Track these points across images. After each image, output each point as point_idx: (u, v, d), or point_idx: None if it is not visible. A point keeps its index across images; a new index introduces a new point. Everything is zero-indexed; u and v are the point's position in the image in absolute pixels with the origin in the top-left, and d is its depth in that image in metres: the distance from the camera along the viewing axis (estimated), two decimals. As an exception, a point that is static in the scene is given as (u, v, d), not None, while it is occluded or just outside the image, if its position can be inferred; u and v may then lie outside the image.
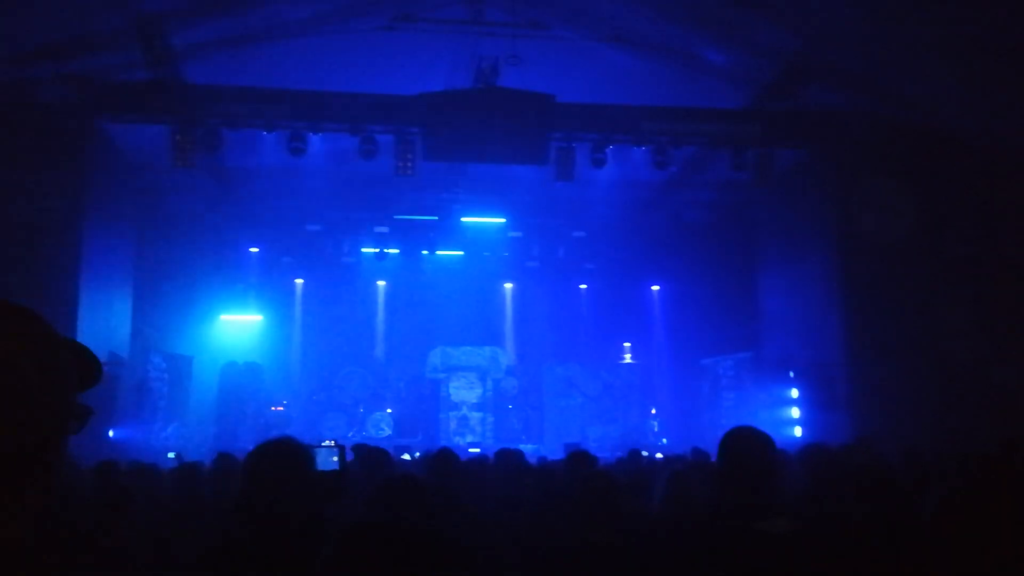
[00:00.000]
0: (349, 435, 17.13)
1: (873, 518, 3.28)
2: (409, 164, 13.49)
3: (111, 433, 12.71)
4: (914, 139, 12.94)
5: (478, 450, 14.67)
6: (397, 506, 3.41)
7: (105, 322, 13.37)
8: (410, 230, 18.52)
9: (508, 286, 20.50)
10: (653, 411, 19.28)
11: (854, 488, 3.42)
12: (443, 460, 4.83)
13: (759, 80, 13.28)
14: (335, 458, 3.39)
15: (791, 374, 14.53)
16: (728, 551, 2.57)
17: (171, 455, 12.07)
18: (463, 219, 18.37)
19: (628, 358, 20.17)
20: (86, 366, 1.24)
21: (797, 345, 14.64)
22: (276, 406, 17.75)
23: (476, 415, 19.01)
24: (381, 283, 19.97)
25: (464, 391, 19.14)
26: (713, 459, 3.18)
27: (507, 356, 19.89)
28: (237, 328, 18.78)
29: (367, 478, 5.15)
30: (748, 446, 2.78)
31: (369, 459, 5.80)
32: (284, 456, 2.64)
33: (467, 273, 19.56)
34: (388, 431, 18.08)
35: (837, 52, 12.07)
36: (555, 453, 12.22)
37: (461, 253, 19.46)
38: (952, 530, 2.27)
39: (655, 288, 20.12)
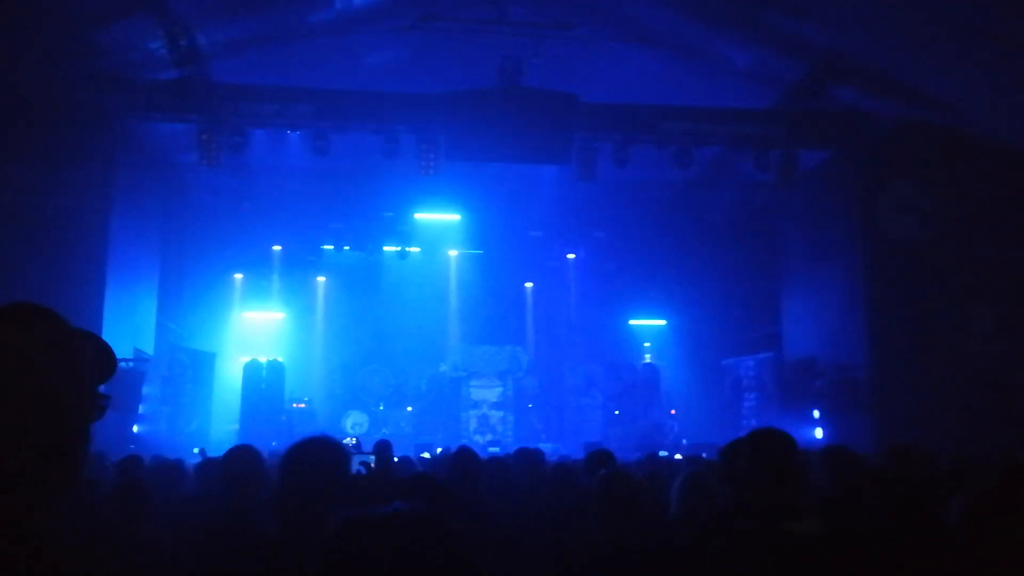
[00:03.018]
0: (372, 432, 17.20)
1: (898, 522, 3.26)
2: (432, 163, 13.53)
3: (135, 429, 12.84)
4: (939, 141, 12.81)
5: (497, 448, 14.68)
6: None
7: (130, 318, 13.51)
8: (431, 229, 18.58)
9: (529, 285, 20.50)
10: (673, 412, 19.21)
11: (879, 492, 3.39)
12: (463, 459, 4.83)
13: (783, 80, 13.20)
14: (372, 464, 3.39)
15: (813, 375, 14.44)
16: (757, 552, 2.56)
17: (195, 451, 12.18)
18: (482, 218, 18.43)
19: (648, 358, 20.11)
20: (102, 359, 1.27)
21: (819, 346, 14.54)
22: (298, 403, 17.86)
23: (496, 414, 19.03)
24: (402, 281, 20.00)
25: (484, 390, 19.16)
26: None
27: (527, 355, 19.89)
28: (260, 325, 18.92)
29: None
30: (773, 446, 2.77)
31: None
32: (323, 454, 2.63)
33: (488, 272, 19.59)
34: (409, 429, 18.14)
35: (863, 53, 11.97)
36: (575, 452, 12.21)
37: (481, 252, 19.50)
38: (979, 536, 2.25)
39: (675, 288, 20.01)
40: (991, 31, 10.07)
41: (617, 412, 19.12)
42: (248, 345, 18.37)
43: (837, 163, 14.20)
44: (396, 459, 7.46)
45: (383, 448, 6.82)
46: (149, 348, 14.39)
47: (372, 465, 3.67)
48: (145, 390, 13.28)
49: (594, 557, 3.12)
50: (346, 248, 18.80)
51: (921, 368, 12.37)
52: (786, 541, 2.55)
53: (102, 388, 1.24)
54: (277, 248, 18.97)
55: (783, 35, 12.07)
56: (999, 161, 12.39)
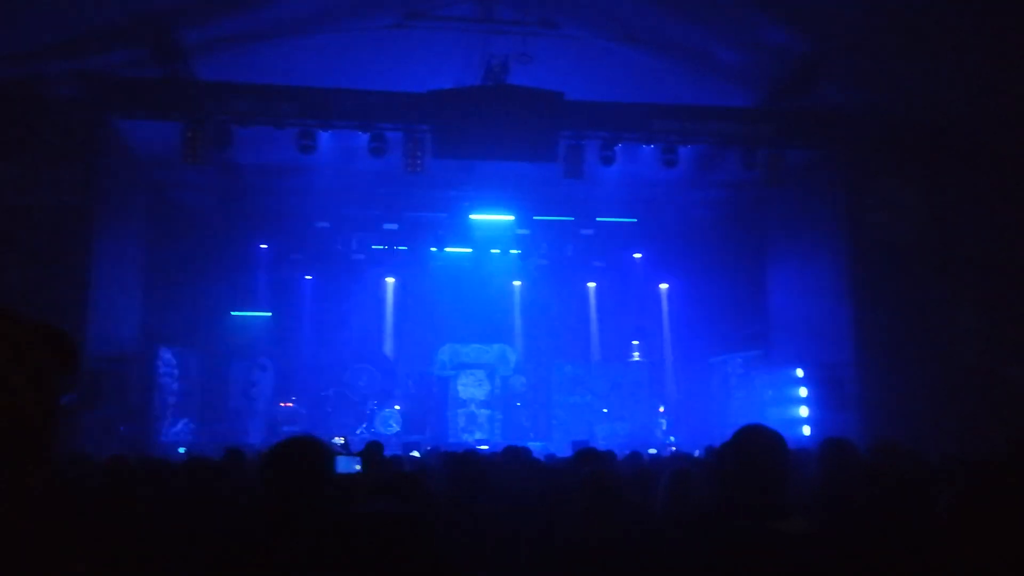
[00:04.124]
0: (358, 432, 17.18)
1: (888, 518, 3.27)
2: (418, 161, 13.50)
3: (121, 429, 12.76)
4: (925, 139, 12.88)
5: (486, 447, 14.68)
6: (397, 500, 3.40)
7: (115, 318, 13.42)
8: (419, 227, 18.54)
9: (517, 284, 20.49)
10: (661, 409, 19.26)
11: (869, 488, 3.41)
12: (466, 463, 4.80)
13: (770, 79, 13.23)
14: (357, 466, 3.38)
15: (800, 373, 14.50)
16: (744, 551, 2.56)
17: (181, 450, 12.13)
18: (472, 216, 18.40)
19: (636, 356, 20.15)
20: (64, 353, 1.24)
21: (806, 344, 14.60)
22: (285, 402, 17.81)
23: (484, 412, 19.03)
24: (390, 280, 20.00)
25: (472, 388, 19.16)
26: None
27: (515, 353, 19.89)
28: (247, 324, 18.84)
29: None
30: (760, 444, 2.76)
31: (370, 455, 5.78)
32: (308, 453, 2.61)
33: (476, 270, 19.58)
34: (396, 428, 18.11)
35: (848, 51, 12.01)
36: (563, 451, 12.23)
37: (470, 251, 19.49)
38: (967, 531, 2.26)
39: (664, 286, 20.08)
40: (976, 32, 10.13)
41: (605, 410, 19.16)
42: (235, 344, 18.28)
43: (823, 161, 14.25)
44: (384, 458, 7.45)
45: (373, 450, 6.78)
46: (134, 348, 14.30)
47: (358, 467, 3.64)
48: (130, 390, 13.20)
49: (578, 553, 3.11)
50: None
51: (907, 365, 12.43)
52: (772, 539, 2.55)
53: (83, 388, 1.22)
54: (263, 246, 18.89)
55: (770, 34, 12.10)
56: (983, 160, 12.47)
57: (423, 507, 3.17)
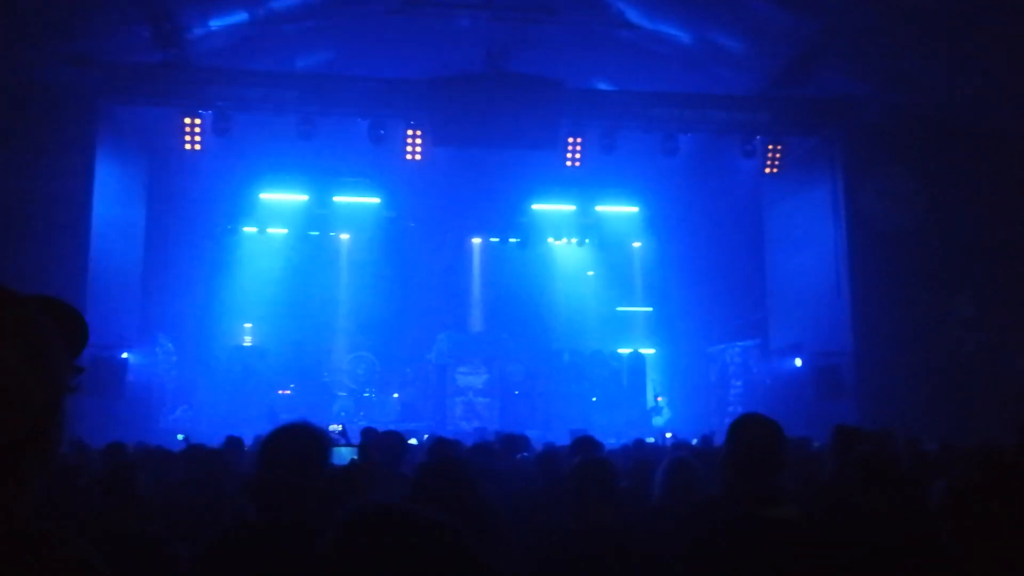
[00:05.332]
0: (356, 420, 17.18)
1: (882, 507, 3.28)
2: (418, 148, 13.48)
3: (119, 416, 12.75)
4: (924, 126, 12.86)
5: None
6: (445, 488, 3.41)
7: (114, 304, 13.40)
8: (419, 215, 18.52)
9: (516, 272, 20.45)
10: (659, 399, 19.27)
11: (866, 476, 3.41)
12: (441, 448, 4.82)
13: (770, 66, 13.20)
14: (353, 457, 3.38)
15: (798, 362, 14.51)
16: (735, 537, 2.57)
17: (180, 437, 12.13)
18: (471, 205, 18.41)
19: (634, 345, 20.15)
20: (69, 329, 1.15)
21: (804, 333, 14.61)
22: (283, 390, 17.80)
23: (482, 400, 19.01)
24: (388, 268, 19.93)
25: (470, 376, 19.13)
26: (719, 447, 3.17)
27: (514, 342, 19.86)
28: (247, 311, 18.81)
29: (387, 464, 5.05)
30: (757, 433, 2.77)
31: (384, 446, 5.68)
32: (302, 441, 2.61)
33: (475, 259, 19.57)
34: (395, 416, 18.11)
35: (848, 39, 11.97)
36: (561, 439, 12.22)
37: (469, 239, 19.49)
38: (960, 521, 2.27)
39: (662, 275, 20.06)
40: (978, 19, 10.10)
41: (594, 399, 19.14)
42: (233, 332, 18.27)
43: (822, 149, 14.24)
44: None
45: (378, 438, 6.60)
46: (133, 334, 14.28)
47: (355, 458, 3.62)
48: (128, 376, 13.19)
49: (568, 541, 3.13)
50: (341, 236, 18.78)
51: (904, 354, 12.44)
52: (763, 525, 2.56)
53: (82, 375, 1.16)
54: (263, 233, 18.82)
55: (770, 21, 12.06)
56: (983, 148, 12.45)
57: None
